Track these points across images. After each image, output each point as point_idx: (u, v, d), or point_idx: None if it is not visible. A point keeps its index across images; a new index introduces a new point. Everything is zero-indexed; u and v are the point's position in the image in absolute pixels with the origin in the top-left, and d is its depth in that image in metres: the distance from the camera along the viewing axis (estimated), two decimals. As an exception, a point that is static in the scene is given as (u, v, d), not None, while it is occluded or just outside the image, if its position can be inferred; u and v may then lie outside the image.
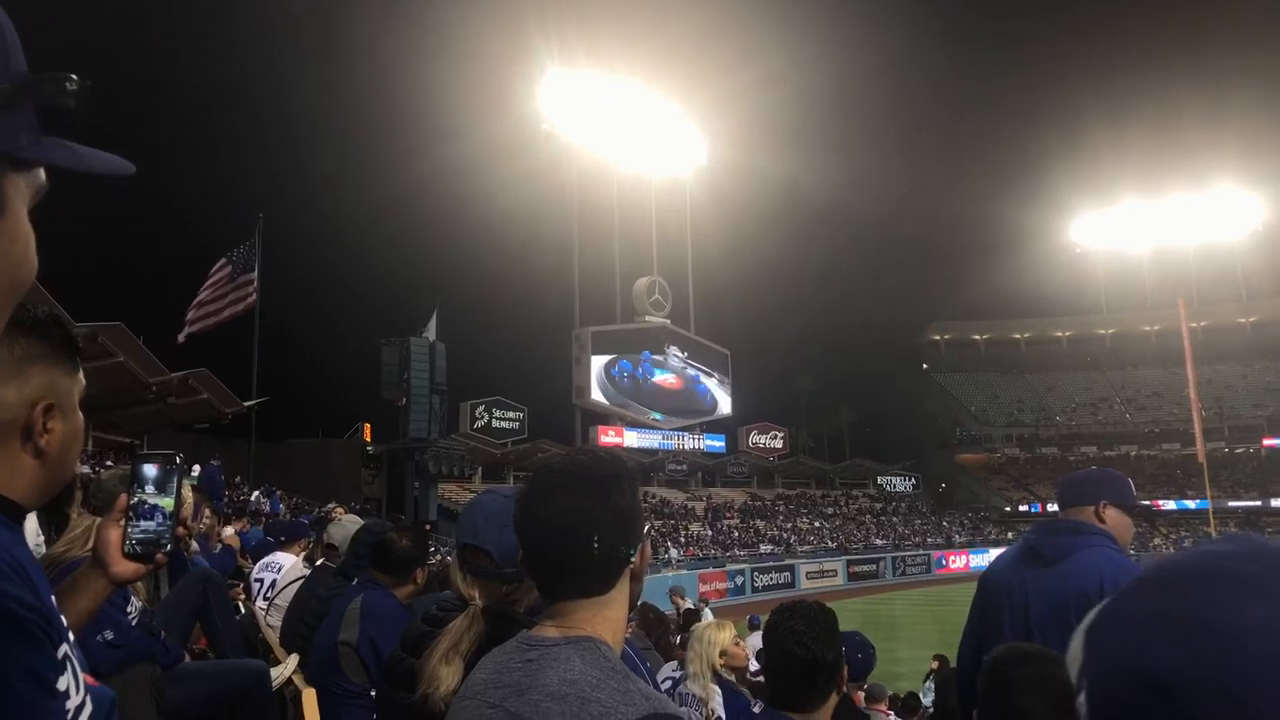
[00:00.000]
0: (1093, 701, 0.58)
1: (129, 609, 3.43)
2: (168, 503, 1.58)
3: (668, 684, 4.16)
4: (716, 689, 3.86)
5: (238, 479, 26.19)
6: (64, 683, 1.09)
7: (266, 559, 6.84)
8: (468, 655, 1.79)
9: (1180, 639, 0.54)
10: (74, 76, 0.83)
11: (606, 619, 1.40)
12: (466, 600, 1.95)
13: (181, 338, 24.29)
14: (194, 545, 5.48)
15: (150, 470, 1.59)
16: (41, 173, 0.90)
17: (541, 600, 1.47)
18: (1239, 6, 79.88)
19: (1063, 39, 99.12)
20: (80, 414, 1.33)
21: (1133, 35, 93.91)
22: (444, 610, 2.10)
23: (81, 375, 1.34)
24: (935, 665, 12.45)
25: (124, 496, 1.56)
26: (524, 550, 1.43)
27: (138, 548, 1.54)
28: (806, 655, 2.48)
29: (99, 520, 3.25)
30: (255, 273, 25.06)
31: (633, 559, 1.43)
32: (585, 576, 1.39)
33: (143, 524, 1.55)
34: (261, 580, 6.51)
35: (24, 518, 1.24)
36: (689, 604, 15.60)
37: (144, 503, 1.56)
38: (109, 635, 3.22)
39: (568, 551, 1.37)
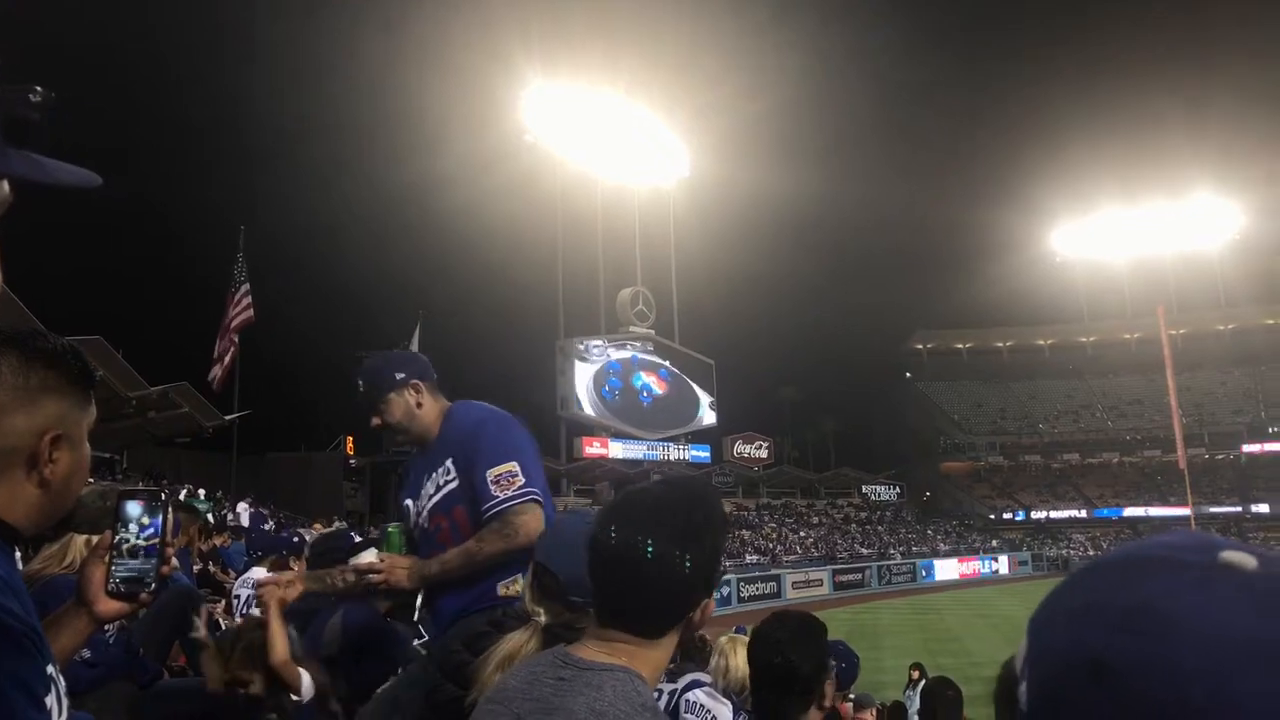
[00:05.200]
0: (1033, 691, 0.59)
1: (106, 626, 3.39)
2: (153, 541, 1.56)
3: (660, 696, 4.12)
4: (726, 704, 3.81)
5: (219, 493, 25.96)
6: (49, 701, 1.08)
7: (246, 574, 6.77)
8: None
9: (1121, 621, 0.55)
10: (38, 88, 0.82)
11: (649, 658, 1.35)
12: (531, 615, 1.96)
13: (215, 386, 24.51)
14: (174, 561, 5.41)
15: (135, 509, 1.57)
16: (5, 185, 0.89)
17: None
18: (1217, 16, 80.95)
19: (1043, 50, 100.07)
20: (88, 446, 1.32)
21: (1111, 45, 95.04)
22: (509, 617, 2.12)
23: (93, 408, 1.34)
24: (915, 674, 12.44)
25: (108, 534, 1.55)
26: (590, 571, 1.37)
27: (121, 586, 1.52)
28: (784, 665, 2.47)
29: (74, 536, 3.24)
30: (247, 285, 25.11)
31: (693, 614, 1.37)
32: (641, 619, 1.33)
33: (127, 562, 1.53)
34: (241, 595, 6.44)
35: (19, 542, 1.23)
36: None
37: (128, 541, 1.55)
38: (85, 653, 3.18)
39: (632, 592, 1.31)
